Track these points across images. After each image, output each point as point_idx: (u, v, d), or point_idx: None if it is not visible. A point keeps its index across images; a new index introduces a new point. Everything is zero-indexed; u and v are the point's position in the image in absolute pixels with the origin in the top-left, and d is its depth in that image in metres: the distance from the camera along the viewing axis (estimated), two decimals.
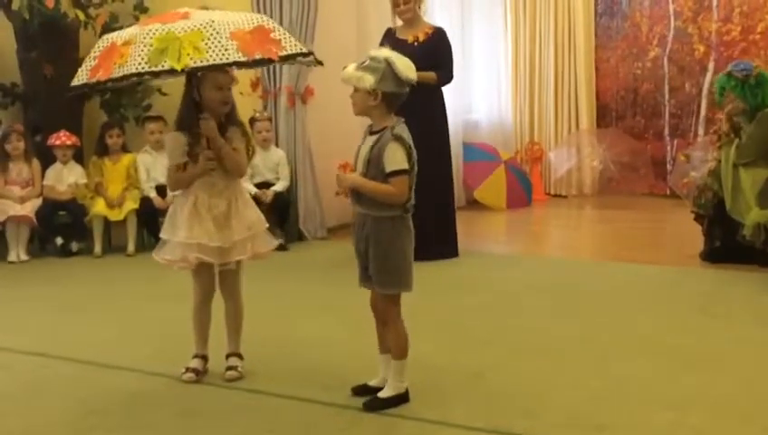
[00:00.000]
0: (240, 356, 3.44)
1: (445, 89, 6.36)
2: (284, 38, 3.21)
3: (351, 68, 3.02)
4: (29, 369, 3.63)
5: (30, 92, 6.96)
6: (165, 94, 6.94)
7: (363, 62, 3.00)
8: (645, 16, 10.06)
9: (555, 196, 10.36)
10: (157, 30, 2.99)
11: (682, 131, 9.77)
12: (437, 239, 6.07)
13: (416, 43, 6.02)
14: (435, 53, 6.01)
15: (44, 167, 6.71)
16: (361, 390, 3.14)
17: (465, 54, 9.64)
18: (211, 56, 2.96)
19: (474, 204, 9.34)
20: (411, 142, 2.99)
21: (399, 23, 6.22)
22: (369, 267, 3.03)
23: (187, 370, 3.36)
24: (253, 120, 6.52)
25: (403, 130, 3.00)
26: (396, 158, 2.94)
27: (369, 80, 2.95)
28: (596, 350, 3.72)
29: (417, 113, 5.99)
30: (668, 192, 9.53)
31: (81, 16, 6.79)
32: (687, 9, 9.66)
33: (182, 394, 3.24)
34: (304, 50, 3.28)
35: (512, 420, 2.84)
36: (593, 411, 2.93)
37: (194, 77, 3.24)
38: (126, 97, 7.20)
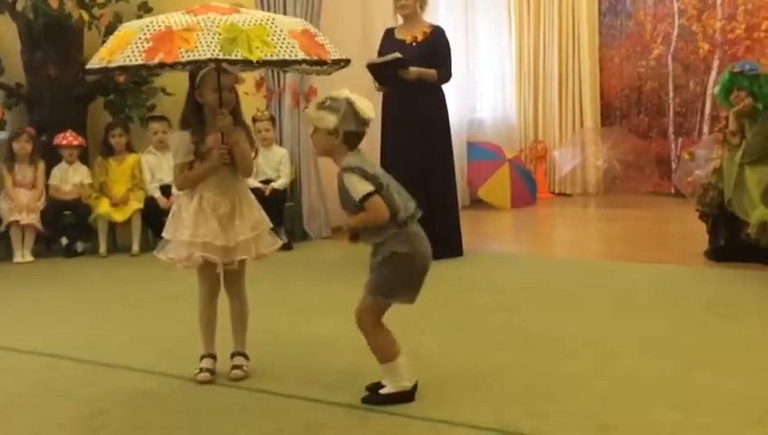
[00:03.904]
0: (245, 356, 3.44)
1: (449, 88, 6.37)
2: (326, 43, 3.23)
3: (312, 109, 3.07)
4: (36, 370, 3.64)
5: (34, 93, 6.97)
6: (169, 94, 6.96)
7: (324, 103, 3.03)
8: (649, 15, 10.05)
9: (560, 194, 10.36)
10: (218, 20, 2.97)
11: (686, 130, 9.76)
12: (442, 239, 6.06)
13: (414, 44, 6.03)
14: (433, 52, 6.01)
15: (49, 167, 6.73)
16: (376, 387, 3.14)
17: (470, 54, 9.65)
18: (279, 51, 2.98)
19: (478, 203, 9.33)
20: (362, 164, 2.99)
21: (400, 20, 6.22)
22: None
23: (201, 370, 3.36)
24: (253, 120, 6.53)
25: (351, 159, 3.00)
26: (356, 187, 2.96)
27: (331, 120, 2.98)
28: (602, 349, 3.72)
29: (419, 113, 6.06)
30: (673, 191, 9.53)
31: (86, 16, 6.80)
32: (692, 7, 9.64)
33: (189, 394, 3.24)
34: (344, 57, 3.28)
35: (519, 420, 2.84)
36: (600, 411, 2.93)
37: (196, 77, 3.25)
38: (130, 97, 7.21)
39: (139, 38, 2.96)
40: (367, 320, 3.08)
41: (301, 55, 3.03)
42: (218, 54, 2.88)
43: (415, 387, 3.10)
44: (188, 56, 2.87)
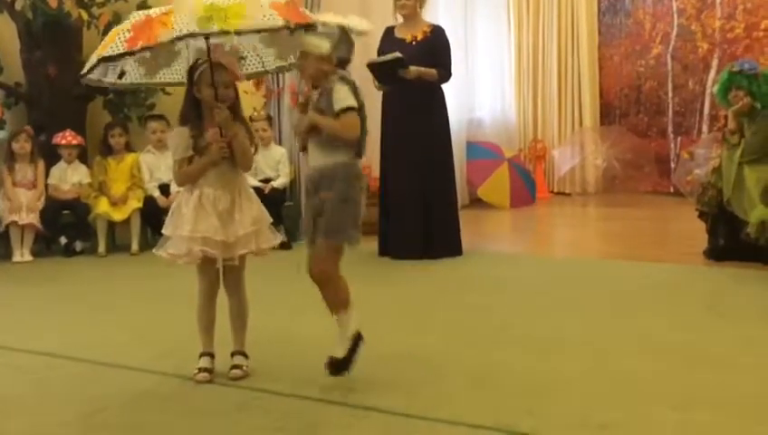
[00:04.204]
0: (245, 355, 3.44)
1: (448, 87, 6.38)
2: (312, 15, 3.26)
3: (301, 33, 3.09)
4: (35, 369, 3.63)
5: (33, 92, 6.97)
6: (168, 94, 6.95)
7: (316, 29, 3.07)
8: (648, 14, 10.06)
9: (559, 194, 10.37)
10: (196, 2, 3.02)
11: (686, 129, 9.77)
12: (441, 238, 6.09)
13: (414, 43, 6.05)
14: (433, 52, 6.02)
15: (48, 167, 6.73)
16: (332, 362, 3.19)
17: (469, 53, 9.65)
18: (257, 22, 3.01)
19: (477, 202, 9.34)
20: (356, 83, 3.11)
21: (400, 19, 6.23)
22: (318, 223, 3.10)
23: (200, 370, 3.36)
24: (250, 120, 6.52)
25: (346, 73, 3.12)
26: (342, 95, 3.06)
27: (324, 45, 3.05)
28: (601, 348, 3.72)
29: (419, 113, 6.06)
30: (672, 190, 9.53)
31: (85, 16, 6.79)
32: (691, 6, 9.65)
33: (188, 393, 3.24)
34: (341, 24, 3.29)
35: (517, 419, 2.84)
36: (598, 410, 2.93)
37: (193, 73, 3.27)
38: (129, 97, 7.21)
39: (121, 30, 3.06)
40: (332, 268, 3.14)
41: (280, 22, 3.03)
42: (195, 29, 2.94)
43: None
44: (168, 36, 2.94)
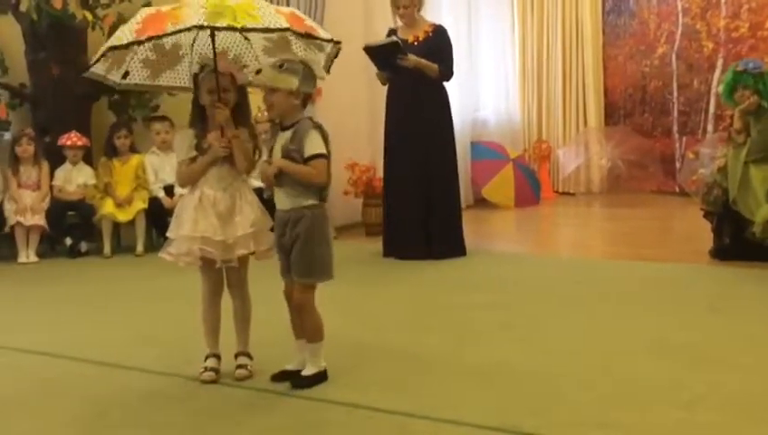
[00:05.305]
0: (249, 355, 3.44)
1: (452, 87, 6.38)
2: (315, 25, 3.32)
3: (268, 70, 3.18)
4: (40, 369, 3.64)
5: (38, 93, 6.98)
6: (172, 95, 6.95)
7: (281, 65, 3.14)
8: (653, 14, 10.05)
9: (563, 194, 10.35)
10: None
11: (691, 129, 9.75)
12: (443, 238, 6.09)
13: (416, 43, 6.07)
14: (435, 51, 6.05)
15: (53, 168, 6.74)
16: (280, 375, 3.29)
17: (473, 53, 9.65)
18: (264, 21, 3.06)
19: (482, 202, 9.33)
20: (326, 131, 3.20)
21: (400, 23, 6.26)
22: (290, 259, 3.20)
23: (206, 369, 3.36)
24: (255, 121, 6.52)
25: (316, 120, 3.22)
26: (315, 143, 3.14)
27: (293, 81, 3.12)
28: (604, 348, 3.71)
29: (423, 113, 6.07)
30: (677, 190, 9.52)
31: (89, 17, 6.82)
32: (695, 6, 9.63)
33: (193, 394, 3.24)
34: (334, 38, 3.37)
35: (520, 419, 2.84)
36: (601, 410, 2.92)
37: (197, 79, 3.33)
38: (134, 98, 7.22)
39: (130, 23, 3.09)
40: (310, 301, 3.25)
41: (284, 25, 3.09)
42: (202, 23, 2.96)
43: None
44: (175, 28, 2.97)
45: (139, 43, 3.06)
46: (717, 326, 4.08)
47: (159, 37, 3.04)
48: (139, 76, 3.42)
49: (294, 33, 3.15)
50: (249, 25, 3.04)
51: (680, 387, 3.15)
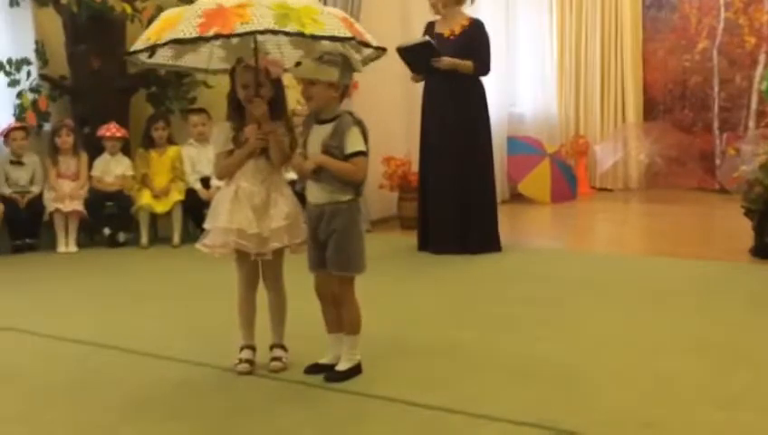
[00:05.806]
0: (284, 347, 3.45)
1: (489, 82, 6.34)
2: (362, 30, 3.29)
3: (308, 62, 3.19)
4: (77, 358, 3.68)
5: (78, 85, 7.05)
6: (209, 87, 6.99)
7: (321, 57, 3.13)
8: (694, 8, 9.90)
9: (601, 190, 10.26)
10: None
11: (732, 125, 9.60)
12: (479, 233, 6.05)
13: (452, 37, 6.04)
14: (471, 45, 6.01)
15: (91, 159, 6.81)
16: (314, 368, 3.30)
17: (510, 47, 9.58)
18: (328, 29, 3.05)
19: (517, 197, 9.27)
20: (366, 127, 3.22)
21: (438, 16, 6.23)
22: (325, 254, 3.20)
23: (241, 361, 3.38)
24: (293, 114, 6.54)
25: (357, 115, 3.23)
26: (357, 140, 3.16)
27: (334, 73, 3.11)
28: (643, 345, 3.67)
29: (455, 104, 6.04)
30: (717, 187, 9.39)
31: (128, 10, 6.86)
32: (738, 0, 9.48)
33: (229, 385, 3.26)
34: (379, 45, 3.34)
35: (559, 417, 2.81)
36: (641, 409, 2.89)
37: (233, 73, 3.33)
38: (172, 90, 7.27)
39: (191, 15, 3.02)
40: (348, 293, 3.26)
41: (348, 34, 3.09)
42: (273, 27, 2.94)
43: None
44: (244, 28, 2.93)
45: (206, 39, 3.02)
46: (758, 325, 4.01)
47: (228, 36, 2.96)
48: (163, 57, 3.38)
49: (358, 42, 3.15)
50: (317, 33, 3.01)
51: (722, 386, 3.11)
